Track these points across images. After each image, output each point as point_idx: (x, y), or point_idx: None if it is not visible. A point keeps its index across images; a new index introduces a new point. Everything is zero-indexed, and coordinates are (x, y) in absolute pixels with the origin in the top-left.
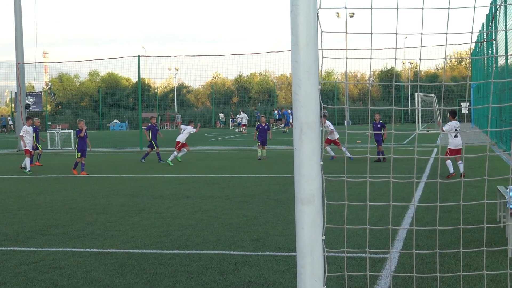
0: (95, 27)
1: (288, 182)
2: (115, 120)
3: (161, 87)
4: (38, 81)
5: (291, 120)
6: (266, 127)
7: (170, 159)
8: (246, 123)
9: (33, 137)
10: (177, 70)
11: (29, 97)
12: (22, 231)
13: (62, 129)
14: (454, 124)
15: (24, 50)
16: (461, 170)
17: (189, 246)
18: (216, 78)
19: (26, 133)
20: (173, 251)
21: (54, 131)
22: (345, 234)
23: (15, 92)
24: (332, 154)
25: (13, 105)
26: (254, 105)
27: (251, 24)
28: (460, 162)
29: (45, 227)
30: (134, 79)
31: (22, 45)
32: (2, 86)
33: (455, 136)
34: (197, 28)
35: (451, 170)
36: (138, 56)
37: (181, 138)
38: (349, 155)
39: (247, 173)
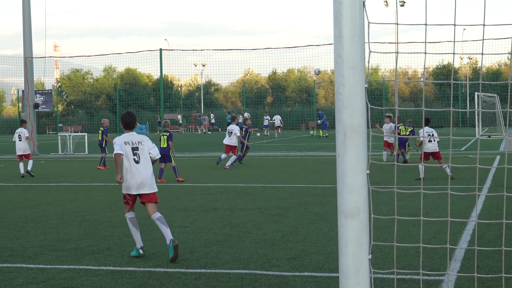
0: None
1: (329, 193)
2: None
3: (185, 85)
4: (48, 78)
5: (319, 122)
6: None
7: (228, 163)
8: (280, 124)
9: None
10: (203, 65)
11: (38, 95)
12: (30, 246)
13: (74, 132)
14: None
15: (33, 43)
16: (448, 173)
17: (217, 265)
18: (248, 75)
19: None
20: (199, 270)
21: (65, 133)
22: (394, 252)
23: (23, 90)
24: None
25: (20, 104)
26: (291, 106)
27: (288, 14)
28: (445, 165)
29: (55, 241)
30: (156, 75)
31: (30, 37)
32: (8, 83)
33: (429, 141)
34: (227, 18)
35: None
36: (160, 50)
37: (232, 141)
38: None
39: (283, 183)
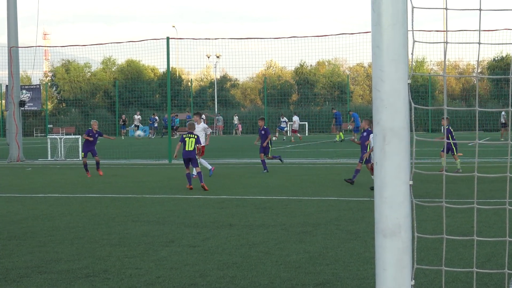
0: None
1: (364, 207)
2: (134, 123)
3: (196, 79)
4: (37, 71)
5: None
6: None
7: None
8: (297, 127)
9: None
10: (218, 57)
11: (24, 91)
12: (14, 267)
13: (66, 134)
14: None
15: (19, 30)
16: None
17: None
18: (271, 68)
19: None
20: None
21: (56, 136)
22: (443, 278)
23: (6, 85)
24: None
25: (3, 101)
26: (320, 104)
27: None
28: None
29: (43, 262)
30: (162, 68)
31: (16, 23)
32: None
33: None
34: (244, 2)
35: None
36: (167, 38)
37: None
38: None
39: (310, 195)
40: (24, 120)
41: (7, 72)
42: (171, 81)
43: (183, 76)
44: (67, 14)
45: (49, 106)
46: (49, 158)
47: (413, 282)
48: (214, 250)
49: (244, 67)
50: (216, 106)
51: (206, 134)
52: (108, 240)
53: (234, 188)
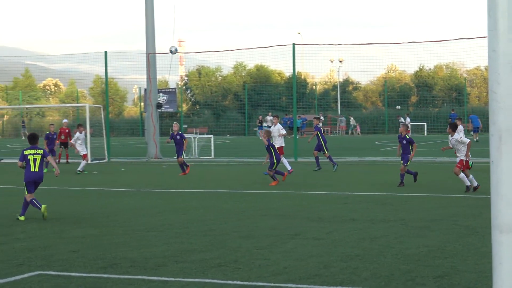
0: (241, 9)
1: (482, 204)
2: (264, 124)
3: (320, 82)
4: (173, 76)
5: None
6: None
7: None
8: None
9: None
10: (341, 62)
11: (161, 94)
12: (152, 256)
13: (200, 134)
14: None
15: (156, 37)
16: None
17: (355, 282)
18: (391, 71)
19: (77, 140)
20: (334, 287)
21: (190, 135)
22: None
23: (145, 89)
24: None
25: (142, 104)
26: (439, 106)
27: (435, 4)
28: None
29: (179, 252)
30: (288, 73)
31: (153, 31)
32: (129, 81)
33: None
34: (365, 9)
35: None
36: (293, 44)
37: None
38: None
39: (428, 192)
40: (161, 121)
41: (145, 76)
42: (296, 85)
43: (308, 80)
44: (201, 22)
45: (184, 108)
46: (184, 156)
47: None
48: (337, 243)
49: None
50: (339, 107)
51: (281, 135)
52: (238, 233)
53: (357, 185)
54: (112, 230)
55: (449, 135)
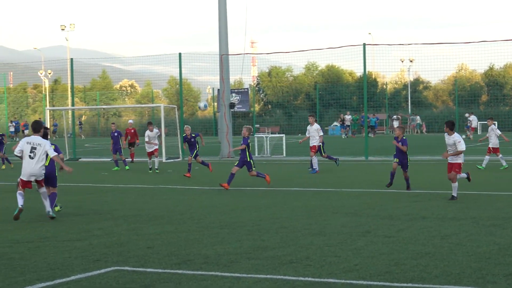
0: (312, 10)
1: None
2: (335, 123)
3: (391, 82)
4: (245, 76)
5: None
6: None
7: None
8: (476, 125)
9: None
10: (411, 61)
11: (233, 94)
12: (225, 253)
13: (272, 133)
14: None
15: (229, 39)
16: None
17: (426, 279)
18: (461, 71)
19: (148, 138)
20: (405, 284)
21: (262, 135)
22: None
23: (218, 89)
24: None
25: (215, 104)
26: (510, 105)
27: (506, 3)
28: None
29: (251, 249)
30: (359, 72)
31: (226, 33)
32: (203, 82)
33: None
34: (435, 9)
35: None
36: (364, 44)
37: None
38: None
39: (499, 190)
40: (234, 120)
41: (218, 77)
42: (367, 84)
43: (378, 79)
44: (273, 24)
45: (256, 108)
46: (256, 155)
47: None
48: (408, 240)
49: (436, 70)
50: (409, 107)
51: (319, 135)
52: (309, 230)
53: (427, 183)
54: (186, 227)
55: (446, 134)
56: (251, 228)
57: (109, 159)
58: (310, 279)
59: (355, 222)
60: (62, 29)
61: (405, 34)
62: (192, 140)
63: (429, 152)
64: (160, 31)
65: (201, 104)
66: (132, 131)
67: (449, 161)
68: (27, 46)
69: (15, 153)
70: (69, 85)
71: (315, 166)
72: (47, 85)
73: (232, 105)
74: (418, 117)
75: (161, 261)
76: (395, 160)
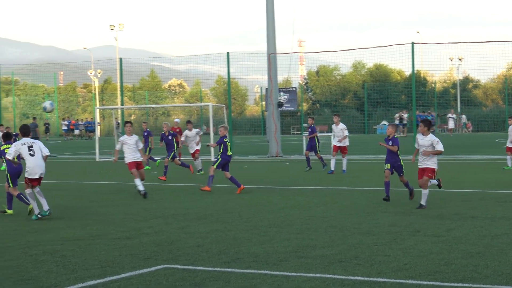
0: (359, 9)
1: None
2: (383, 122)
3: (439, 81)
4: (293, 75)
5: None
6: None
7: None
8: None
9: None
10: (460, 60)
11: (281, 93)
12: (274, 252)
13: (320, 132)
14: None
15: (277, 38)
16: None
17: (476, 279)
18: None
19: (186, 137)
20: (455, 284)
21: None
22: None
23: (266, 88)
24: None
25: (263, 103)
26: None
27: None
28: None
29: (300, 247)
30: (407, 71)
31: (274, 33)
32: (251, 81)
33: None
34: (485, 7)
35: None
36: (412, 43)
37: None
38: None
39: None
40: (282, 119)
41: (266, 76)
42: (416, 83)
43: (427, 78)
44: (321, 23)
45: (304, 107)
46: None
47: None
48: (458, 240)
49: (486, 68)
50: (459, 106)
51: (343, 135)
52: (359, 229)
53: (477, 182)
54: (235, 226)
55: (421, 134)
56: (299, 227)
57: (156, 158)
58: (359, 278)
59: (404, 221)
60: (111, 29)
61: (454, 32)
62: (170, 138)
63: (477, 151)
64: (208, 31)
65: (46, 104)
66: (178, 130)
67: (420, 166)
68: (77, 46)
69: (7, 156)
70: (118, 84)
71: (332, 166)
72: (96, 84)
73: (280, 104)
74: (464, 116)
75: (210, 260)
76: (386, 167)
